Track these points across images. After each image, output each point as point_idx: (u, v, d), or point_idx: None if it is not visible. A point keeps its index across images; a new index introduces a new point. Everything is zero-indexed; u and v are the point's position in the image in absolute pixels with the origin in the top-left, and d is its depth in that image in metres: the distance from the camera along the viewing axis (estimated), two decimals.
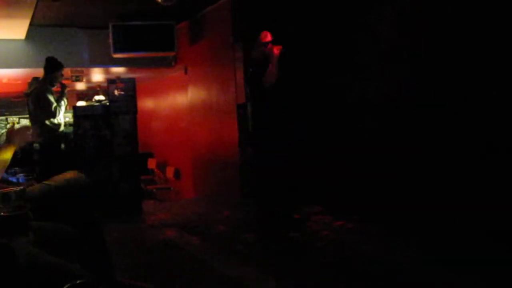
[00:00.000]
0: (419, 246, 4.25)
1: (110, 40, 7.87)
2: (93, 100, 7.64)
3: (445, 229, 4.41)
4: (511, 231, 3.90)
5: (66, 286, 1.44)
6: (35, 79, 6.68)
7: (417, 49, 4.86)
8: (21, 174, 2.76)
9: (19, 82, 9.65)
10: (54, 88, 6.58)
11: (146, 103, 11.81)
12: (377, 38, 5.32)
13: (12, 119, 11.03)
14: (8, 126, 10.49)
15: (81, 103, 8.36)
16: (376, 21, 5.32)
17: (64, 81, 6.79)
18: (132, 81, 6.75)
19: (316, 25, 6.27)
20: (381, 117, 5.33)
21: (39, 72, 6.65)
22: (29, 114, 6.77)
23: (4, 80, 9.93)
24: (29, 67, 8.04)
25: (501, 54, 4.13)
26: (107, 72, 9.48)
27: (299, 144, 6.58)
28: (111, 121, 6.52)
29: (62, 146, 6.69)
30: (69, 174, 2.95)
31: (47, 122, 6.39)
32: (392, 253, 4.18)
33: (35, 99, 6.42)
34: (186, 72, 8.89)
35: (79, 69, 8.70)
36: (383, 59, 5.25)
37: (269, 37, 5.63)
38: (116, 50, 7.98)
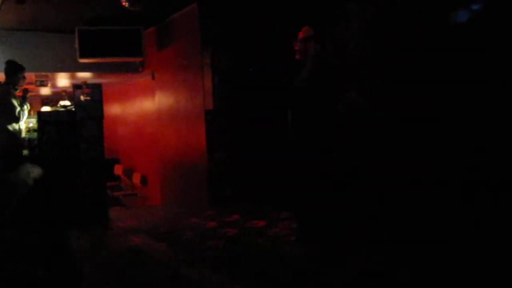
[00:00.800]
0: (381, 253, 4.32)
1: (76, 45, 7.77)
2: (59, 105, 7.51)
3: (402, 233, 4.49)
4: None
5: None
6: None
7: (382, 61, 4.94)
8: None
9: None
10: (16, 93, 6.45)
11: (113, 109, 11.68)
12: (342, 48, 5.40)
13: None
14: None
15: (46, 108, 8.21)
16: (341, 32, 5.40)
17: (28, 86, 6.66)
18: (98, 87, 6.68)
19: (283, 33, 6.33)
20: (346, 125, 5.39)
21: (2, 76, 6.53)
22: None
23: None
24: None
25: (465, 64, 4.24)
26: (73, 77, 9.34)
27: (268, 151, 6.63)
28: (76, 126, 6.43)
29: (25, 152, 6.56)
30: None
31: (8, 127, 6.26)
32: (356, 256, 4.24)
33: None
34: (153, 78, 8.84)
35: (44, 73, 8.55)
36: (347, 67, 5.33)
37: (303, 34, 5.12)
38: (83, 55, 7.89)
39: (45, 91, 10.85)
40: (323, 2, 5.71)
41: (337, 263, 4.22)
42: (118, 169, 11.33)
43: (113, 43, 7.97)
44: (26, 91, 6.55)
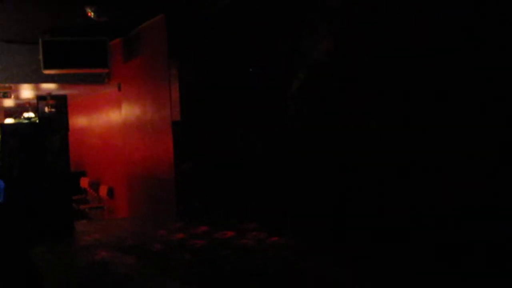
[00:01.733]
0: (349, 260, 4.37)
1: (41, 56, 7.66)
2: (22, 117, 7.39)
3: (375, 243, 4.55)
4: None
5: None
6: None
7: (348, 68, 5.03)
8: None
9: None
10: None
11: (78, 121, 11.53)
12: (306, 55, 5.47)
13: None
14: None
15: (9, 120, 8.05)
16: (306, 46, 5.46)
17: None
18: (63, 98, 6.60)
19: (250, 44, 6.38)
20: (312, 136, 5.46)
21: None
22: None
23: None
24: None
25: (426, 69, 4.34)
26: (37, 89, 9.19)
27: (237, 162, 6.64)
28: (41, 139, 6.32)
29: None
30: None
31: None
32: (323, 268, 4.27)
33: None
34: (120, 89, 8.77)
35: (7, 85, 8.39)
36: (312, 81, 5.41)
37: None
38: (47, 66, 7.77)
39: (8, 103, 10.63)
40: (288, 14, 5.78)
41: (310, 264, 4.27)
42: (84, 182, 11.18)
43: (78, 54, 7.88)
44: None
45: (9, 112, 11.54)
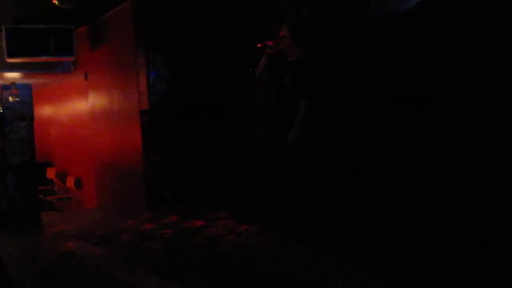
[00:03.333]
0: (317, 247, 4.41)
1: (4, 44, 7.48)
2: None
3: (341, 229, 4.62)
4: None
5: None
6: None
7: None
8: None
9: None
10: None
11: (44, 110, 11.32)
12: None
13: None
14: None
15: None
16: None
17: None
18: (28, 87, 6.45)
19: (219, 32, 6.34)
20: (281, 125, 5.47)
21: None
22: None
23: None
24: None
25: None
26: (0, 77, 8.98)
27: (206, 151, 6.62)
28: (4, 129, 6.19)
29: None
30: None
31: None
32: (293, 255, 4.31)
33: None
34: (86, 78, 8.63)
35: None
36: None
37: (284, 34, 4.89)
38: (10, 55, 7.61)
39: None
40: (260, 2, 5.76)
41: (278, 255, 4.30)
42: (50, 173, 11.00)
43: (43, 42, 7.73)
44: None
45: None
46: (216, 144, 6.51)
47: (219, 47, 6.38)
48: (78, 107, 9.72)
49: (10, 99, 6.24)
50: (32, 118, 6.38)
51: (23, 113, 6.30)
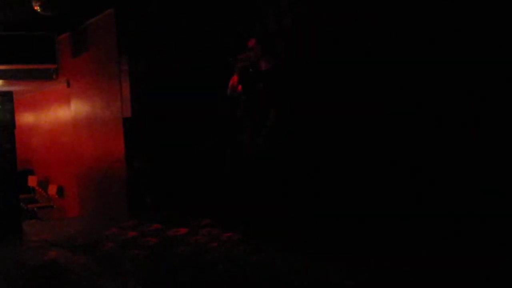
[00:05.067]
0: (304, 255, 4.43)
1: None
2: None
3: (326, 235, 4.65)
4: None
5: None
6: None
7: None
8: None
9: None
10: None
11: (26, 118, 11.21)
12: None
13: None
14: None
15: None
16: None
17: None
18: (9, 95, 6.39)
19: (202, 40, 6.36)
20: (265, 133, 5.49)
21: None
22: None
23: None
24: None
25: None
26: None
27: (189, 158, 6.62)
28: None
29: None
30: None
31: None
32: (279, 263, 4.32)
33: None
34: (68, 85, 8.58)
35: None
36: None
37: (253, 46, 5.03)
38: None
39: None
40: (240, 8, 5.79)
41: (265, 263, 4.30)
42: (32, 181, 10.88)
43: (24, 49, 7.67)
44: None
45: None
46: (199, 152, 6.50)
47: (203, 54, 6.39)
48: (60, 114, 9.64)
49: None
50: (13, 126, 6.32)
51: (4, 121, 6.24)
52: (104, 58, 7.36)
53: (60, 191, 9.77)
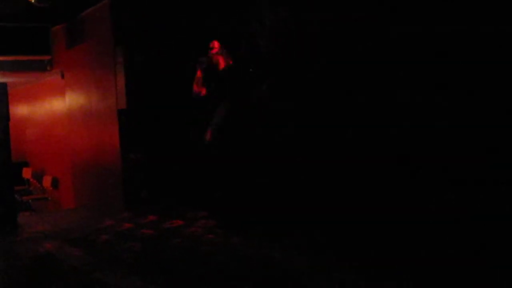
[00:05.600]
0: (296, 246, 4.45)
1: None
2: None
3: (319, 228, 4.68)
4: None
5: None
6: None
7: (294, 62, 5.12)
8: None
9: None
10: None
11: (20, 109, 11.16)
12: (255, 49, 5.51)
13: None
14: None
15: None
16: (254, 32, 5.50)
17: None
18: (3, 86, 6.36)
19: (197, 31, 6.34)
20: (259, 125, 5.51)
21: None
22: None
23: None
24: None
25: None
26: None
27: (185, 150, 6.61)
28: None
29: None
30: None
31: None
32: (274, 255, 4.34)
33: None
34: (63, 77, 8.53)
35: None
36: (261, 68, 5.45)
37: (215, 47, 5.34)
38: None
39: None
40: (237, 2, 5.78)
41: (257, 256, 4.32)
42: (26, 173, 10.85)
43: (18, 40, 7.63)
44: None
45: None
46: (194, 144, 6.50)
47: (198, 46, 6.37)
48: (54, 106, 9.60)
49: None
50: (7, 117, 6.29)
51: None
52: (99, 49, 7.32)
53: (55, 183, 9.75)
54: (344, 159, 4.69)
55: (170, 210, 6.28)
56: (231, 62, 5.30)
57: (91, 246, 5.14)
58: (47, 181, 9.96)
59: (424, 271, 3.55)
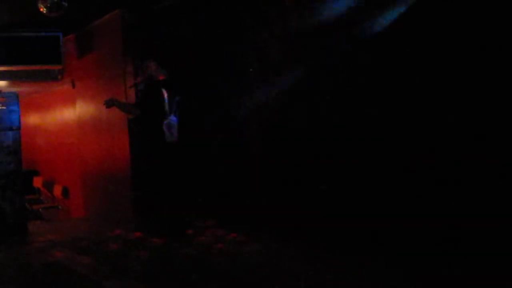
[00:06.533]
0: (307, 255, 4.42)
1: None
2: None
3: (331, 235, 4.64)
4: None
5: None
6: None
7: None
8: None
9: None
10: None
11: (31, 118, 11.22)
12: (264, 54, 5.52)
13: None
14: None
15: None
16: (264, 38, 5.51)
17: None
18: (14, 95, 6.41)
19: (205, 40, 6.36)
20: (268, 128, 5.51)
21: None
22: None
23: None
24: None
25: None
26: None
27: (193, 158, 6.61)
28: None
29: None
30: None
31: None
32: (284, 263, 4.31)
33: None
34: (74, 86, 8.58)
35: None
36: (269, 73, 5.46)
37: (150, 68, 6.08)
38: None
39: None
40: (247, 10, 5.80)
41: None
42: (37, 182, 10.89)
43: (29, 50, 7.67)
44: None
45: None
46: (205, 153, 6.50)
47: (207, 55, 6.39)
48: (65, 115, 9.65)
49: None
50: (19, 126, 6.34)
51: (10, 121, 6.26)
52: (110, 59, 7.36)
53: (65, 192, 9.77)
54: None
55: (179, 218, 6.27)
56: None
57: (100, 255, 5.14)
58: (57, 190, 9.98)
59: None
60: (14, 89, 8.09)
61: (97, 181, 7.98)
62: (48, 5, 5.97)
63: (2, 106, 6.21)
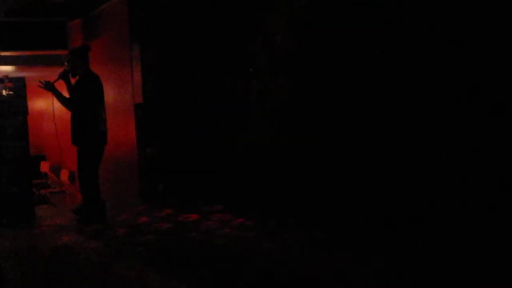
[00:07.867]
0: (313, 242, 4.44)
1: None
2: None
3: (337, 223, 4.65)
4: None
5: None
6: None
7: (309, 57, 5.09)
8: None
9: None
10: None
11: (38, 103, 11.23)
12: (271, 45, 5.48)
13: None
14: None
15: None
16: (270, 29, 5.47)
17: None
18: (21, 80, 6.43)
19: (213, 27, 6.33)
20: (276, 120, 5.49)
21: None
22: None
23: None
24: None
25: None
26: None
27: (201, 144, 6.62)
28: None
29: None
30: None
31: None
32: (288, 249, 4.33)
33: None
34: None
35: None
36: (277, 65, 5.42)
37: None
38: (3, 48, 7.56)
39: None
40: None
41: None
42: (44, 166, 10.95)
43: (36, 35, 7.68)
44: None
45: None
46: (211, 138, 6.50)
47: (215, 41, 6.36)
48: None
49: (4, 92, 6.21)
50: (26, 111, 6.36)
51: (17, 106, 6.28)
52: (116, 44, 7.35)
53: (72, 176, 9.81)
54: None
55: (186, 203, 6.31)
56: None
57: (107, 238, 5.18)
58: (64, 175, 10.03)
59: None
60: (21, 74, 8.11)
61: (103, 166, 8.01)
62: None
63: (10, 91, 6.22)
